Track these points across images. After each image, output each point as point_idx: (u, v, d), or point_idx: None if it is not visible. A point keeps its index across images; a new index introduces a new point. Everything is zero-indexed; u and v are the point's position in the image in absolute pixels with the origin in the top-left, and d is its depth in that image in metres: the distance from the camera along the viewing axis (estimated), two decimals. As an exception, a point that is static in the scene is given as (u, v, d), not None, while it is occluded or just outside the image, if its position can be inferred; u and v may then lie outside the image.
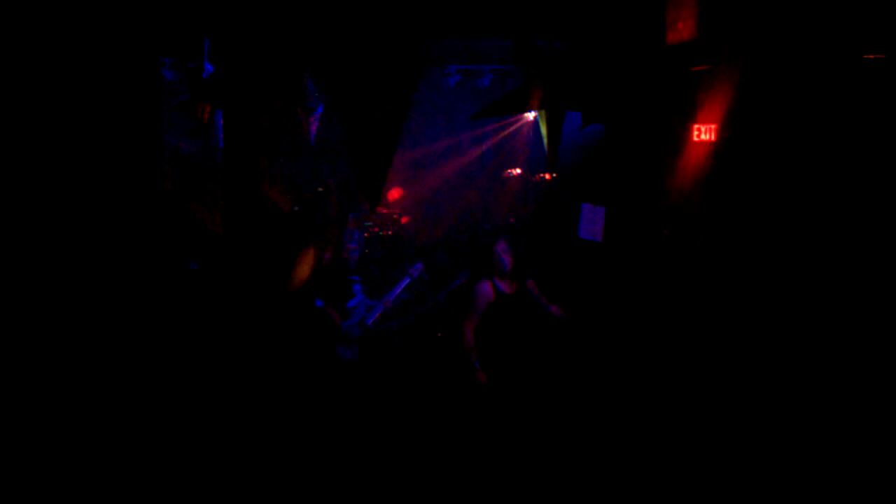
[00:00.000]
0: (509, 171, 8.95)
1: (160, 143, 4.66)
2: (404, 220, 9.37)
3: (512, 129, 9.13)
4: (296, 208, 9.12)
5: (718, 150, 5.96)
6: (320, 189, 9.52)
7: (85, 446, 4.08)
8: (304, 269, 5.91)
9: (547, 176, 8.52)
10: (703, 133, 6.08)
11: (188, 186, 8.39)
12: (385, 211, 9.04)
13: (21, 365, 3.96)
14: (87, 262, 4.18)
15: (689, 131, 6.12)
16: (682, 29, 5.59)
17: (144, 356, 4.36)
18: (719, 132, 5.99)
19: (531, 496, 4.85)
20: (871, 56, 5.09)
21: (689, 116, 6.07)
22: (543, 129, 6.09)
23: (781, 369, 5.05)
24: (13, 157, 3.98)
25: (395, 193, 9.47)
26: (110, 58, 4.22)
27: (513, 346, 5.93)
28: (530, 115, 8.53)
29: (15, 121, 3.96)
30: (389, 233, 8.90)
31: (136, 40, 4.34)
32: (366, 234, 8.13)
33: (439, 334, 7.27)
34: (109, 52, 4.21)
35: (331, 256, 6.58)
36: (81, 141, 4.16)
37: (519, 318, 5.99)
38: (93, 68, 4.16)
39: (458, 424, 5.69)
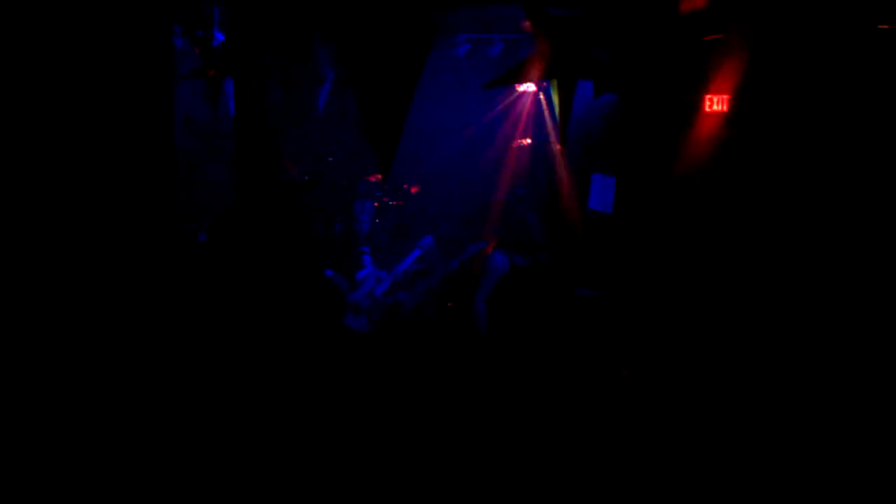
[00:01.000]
0: (520, 140, 8.89)
1: (171, 110, 4.65)
2: (414, 189, 9.34)
3: (522, 98, 9.06)
4: (306, 178, 9.12)
5: (730, 120, 5.94)
6: (330, 159, 9.50)
7: (93, 421, 4.11)
8: (314, 238, 5.93)
9: (557, 146, 8.48)
10: (715, 103, 6.05)
11: (199, 155, 8.41)
12: (395, 181, 9.00)
13: (31, 336, 3.98)
14: (96, 231, 4.19)
15: (700, 101, 6.09)
16: (696, -2, 5.55)
17: (153, 325, 4.38)
18: (731, 102, 5.96)
19: (538, 476, 4.88)
20: (886, 26, 5.05)
21: (701, 86, 6.04)
22: (555, 99, 6.05)
23: (794, 349, 5.04)
24: (28, 125, 3.98)
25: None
26: (123, 25, 4.21)
27: (524, 319, 5.95)
28: (541, 85, 8.46)
29: (31, 88, 3.96)
30: (399, 203, 8.89)
31: (148, 8, 4.32)
32: (375, 204, 8.11)
33: (450, 304, 7.29)
34: (122, 20, 4.20)
35: (341, 227, 6.59)
36: (94, 109, 4.16)
37: (531, 290, 6.01)
38: (105, 36, 4.15)
39: (465, 397, 5.72)
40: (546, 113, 8.76)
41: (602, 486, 4.63)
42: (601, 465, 4.79)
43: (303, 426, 4.91)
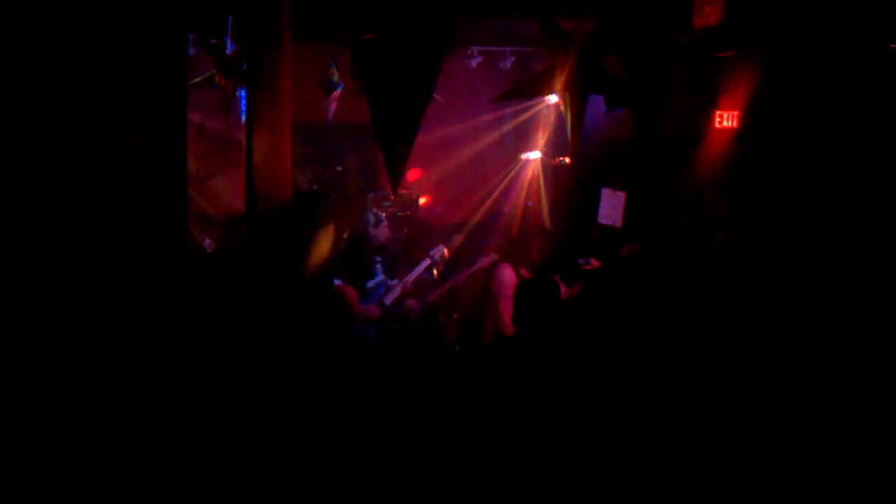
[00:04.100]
0: (561, 158, 8.86)
1: (184, 118, 4.66)
2: (423, 201, 9.37)
3: (533, 111, 9.09)
4: (314, 187, 9.14)
5: (740, 136, 5.95)
6: (339, 168, 9.53)
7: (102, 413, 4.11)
8: (323, 248, 5.93)
9: (567, 160, 8.49)
10: (726, 119, 6.07)
11: (210, 163, 8.44)
12: (405, 192, 9.03)
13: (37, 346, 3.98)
14: (105, 239, 4.19)
15: (711, 117, 6.11)
16: (709, 14, 5.56)
17: (160, 333, 4.38)
18: (741, 119, 5.97)
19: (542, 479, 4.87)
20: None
21: (712, 102, 6.05)
22: (566, 113, 6.07)
23: (804, 364, 5.03)
24: (40, 133, 4.00)
25: (414, 174, 9.47)
26: (136, 33, 4.23)
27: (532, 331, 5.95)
28: (552, 98, 8.48)
29: (43, 95, 3.98)
30: (408, 213, 8.91)
31: (161, 16, 4.34)
32: (384, 214, 8.13)
33: (455, 316, 7.29)
34: (135, 28, 4.22)
35: (349, 235, 6.59)
36: (105, 116, 4.17)
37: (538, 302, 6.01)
38: (118, 44, 4.17)
39: (471, 406, 5.72)
40: (556, 125, 8.78)
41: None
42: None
43: (309, 434, 4.92)
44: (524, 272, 6.06)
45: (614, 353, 6.01)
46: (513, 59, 8.80)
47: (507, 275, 6.00)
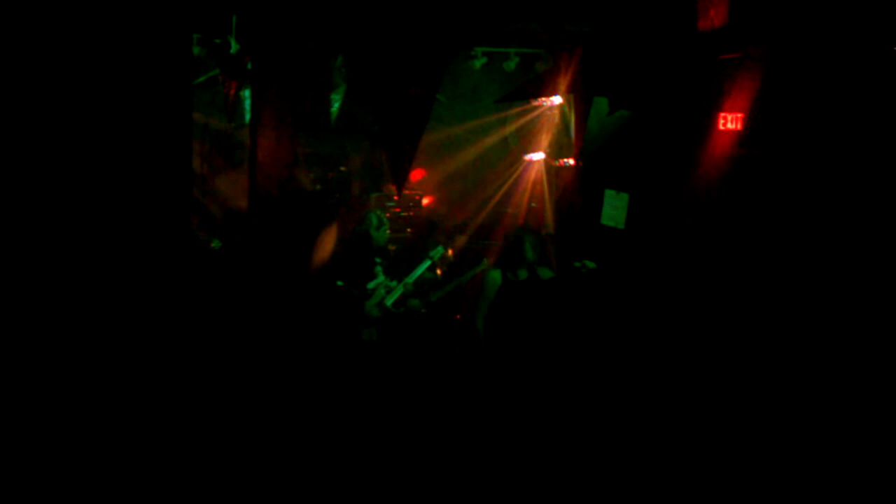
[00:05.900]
0: (564, 160, 8.86)
1: (189, 118, 4.67)
2: (426, 201, 9.38)
3: (536, 112, 9.09)
4: (318, 187, 9.15)
5: (744, 139, 5.94)
6: (343, 169, 9.55)
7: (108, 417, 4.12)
8: (326, 248, 5.94)
9: (571, 161, 8.49)
10: (729, 122, 6.05)
11: (214, 163, 8.45)
12: (408, 192, 9.05)
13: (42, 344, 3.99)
14: (111, 237, 4.20)
15: (714, 119, 6.09)
16: (714, 16, 5.55)
17: (166, 333, 4.39)
18: (745, 121, 5.95)
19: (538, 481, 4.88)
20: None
21: (715, 105, 6.04)
22: (570, 115, 6.07)
23: (804, 363, 5.03)
24: (46, 133, 4.00)
25: (417, 175, 9.48)
26: (142, 33, 4.23)
27: (526, 334, 5.96)
28: (556, 100, 8.47)
29: (49, 96, 3.99)
30: (411, 214, 8.92)
31: (167, 16, 4.35)
32: (387, 215, 8.15)
33: (458, 317, 7.30)
34: (141, 28, 4.22)
35: (352, 236, 6.59)
36: (110, 115, 4.18)
37: (531, 305, 6.00)
38: (124, 44, 4.18)
39: (469, 408, 5.74)
40: (559, 127, 8.77)
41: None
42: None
43: (312, 432, 4.93)
44: (516, 276, 6.09)
45: (611, 355, 6.03)
46: (517, 60, 8.77)
47: (490, 277, 6.01)
